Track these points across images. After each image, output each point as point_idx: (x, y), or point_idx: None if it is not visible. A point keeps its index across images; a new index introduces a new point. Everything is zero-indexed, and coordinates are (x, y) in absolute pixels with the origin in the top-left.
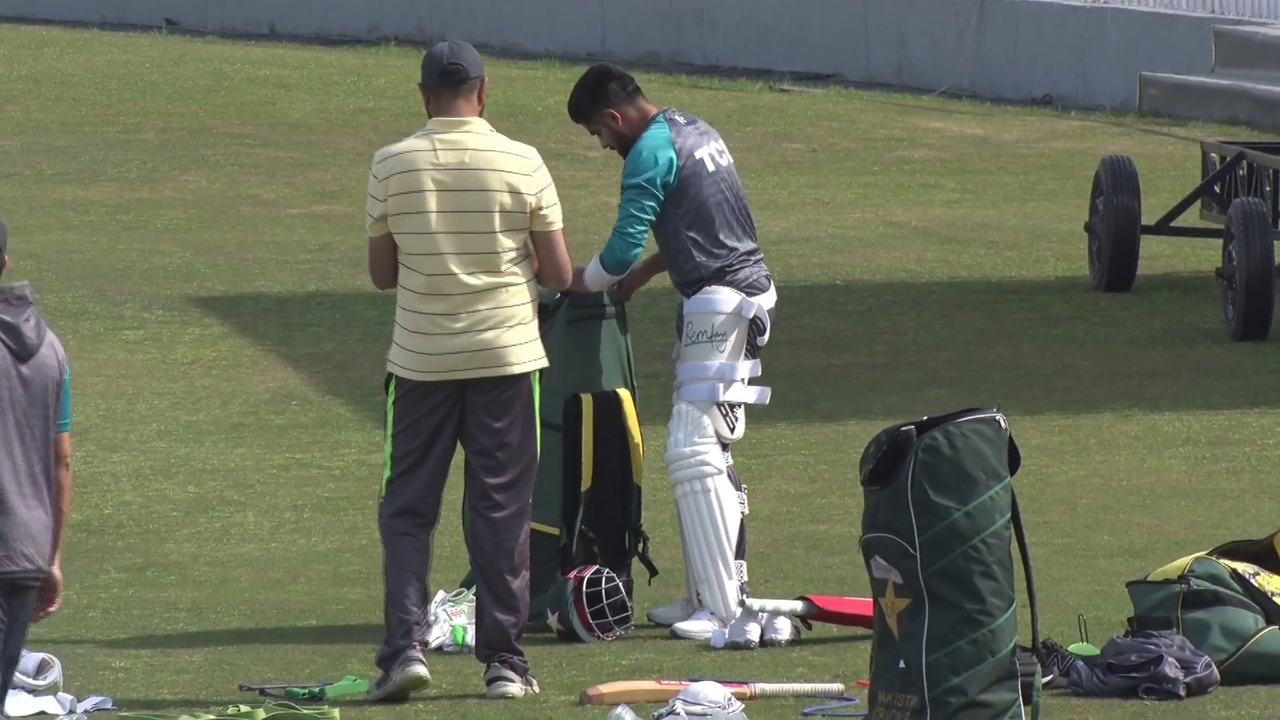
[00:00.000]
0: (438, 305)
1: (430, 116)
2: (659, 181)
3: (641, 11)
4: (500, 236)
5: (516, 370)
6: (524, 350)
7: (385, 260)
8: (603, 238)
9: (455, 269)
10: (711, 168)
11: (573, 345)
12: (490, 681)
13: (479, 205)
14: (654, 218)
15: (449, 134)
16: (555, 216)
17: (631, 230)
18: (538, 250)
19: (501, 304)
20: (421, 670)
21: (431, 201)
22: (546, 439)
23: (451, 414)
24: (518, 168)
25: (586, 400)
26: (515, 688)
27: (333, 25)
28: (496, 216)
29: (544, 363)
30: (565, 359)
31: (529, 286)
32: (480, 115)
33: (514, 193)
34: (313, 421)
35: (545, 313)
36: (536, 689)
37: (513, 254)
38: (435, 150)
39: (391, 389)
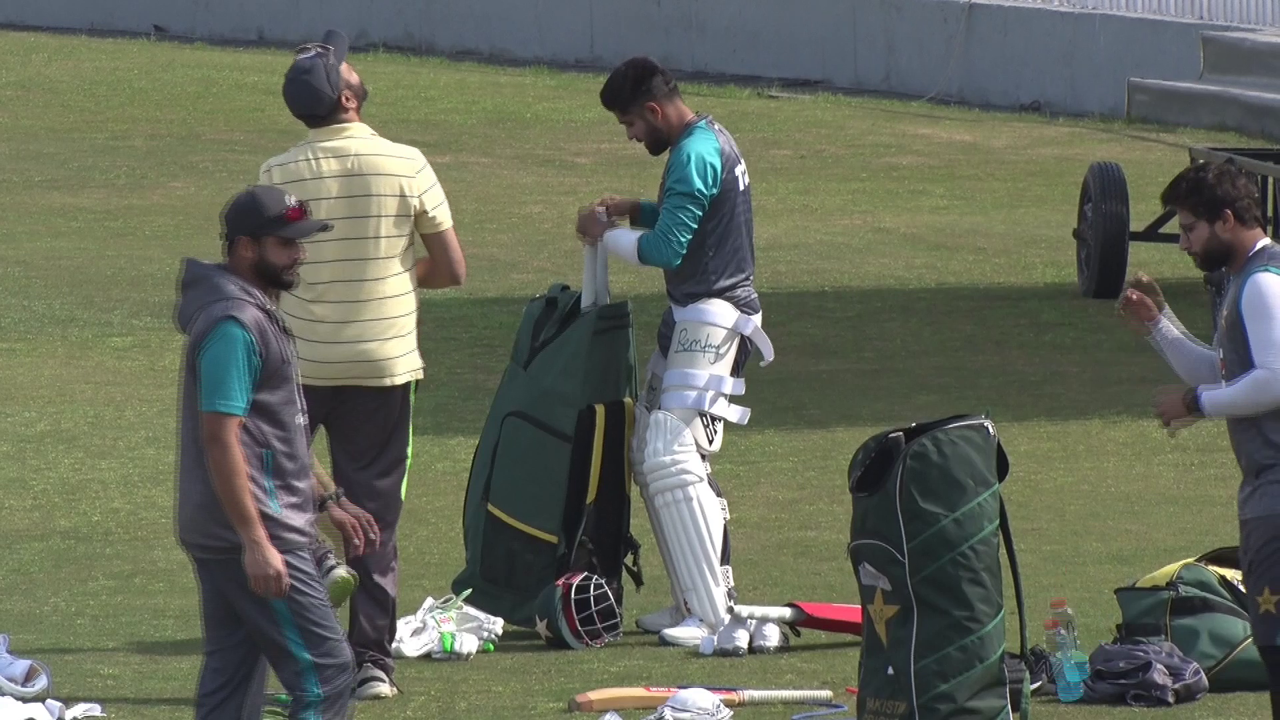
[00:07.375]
0: (320, 312)
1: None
2: (708, 194)
3: (630, 18)
4: (385, 241)
5: (391, 382)
6: (403, 362)
7: None
8: None
9: (339, 276)
10: (742, 186)
11: (595, 357)
12: (361, 682)
13: (365, 210)
14: (698, 227)
15: (331, 141)
16: (443, 215)
17: (678, 238)
18: (431, 251)
19: (383, 315)
20: (383, 689)
21: (318, 210)
22: (553, 448)
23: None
24: (402, 170)
25: (600, 412)
26: (386, 688)
27: (321, 31)
28: (382, 221)
29: (420, 374)
30: (585, 371)
31: (412, 296)
32: (358, 114)
33: (400, 195)
34: None
35: (551, 309)
36: (396, 690)
37: (396, 260)
38: (319, 159)
39: None
